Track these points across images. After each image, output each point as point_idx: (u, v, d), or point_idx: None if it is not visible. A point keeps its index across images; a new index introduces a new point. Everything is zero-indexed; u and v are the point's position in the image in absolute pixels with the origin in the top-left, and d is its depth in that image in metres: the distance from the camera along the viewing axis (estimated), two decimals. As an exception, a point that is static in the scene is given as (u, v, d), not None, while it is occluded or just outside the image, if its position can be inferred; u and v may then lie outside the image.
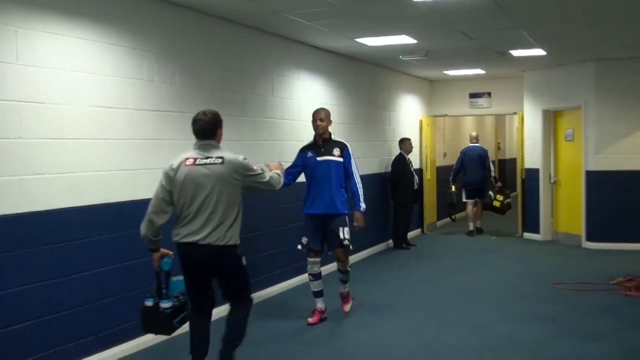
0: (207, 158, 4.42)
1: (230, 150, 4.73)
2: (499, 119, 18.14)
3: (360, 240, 9.97)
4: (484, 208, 12.51)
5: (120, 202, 5.41)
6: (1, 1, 4.40)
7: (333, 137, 6.41)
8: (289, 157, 6.75)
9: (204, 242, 4.37)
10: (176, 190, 4.40)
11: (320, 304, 6.42)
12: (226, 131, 6.62)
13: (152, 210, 4.41)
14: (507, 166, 18.26)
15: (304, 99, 8.27)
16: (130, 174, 5.54)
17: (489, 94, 12.88)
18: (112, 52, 5.35)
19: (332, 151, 6.27)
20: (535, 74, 11.60)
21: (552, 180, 11.44)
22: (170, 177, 4.41)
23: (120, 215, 5.40)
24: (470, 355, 5.45)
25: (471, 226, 12.41)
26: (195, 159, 4.42)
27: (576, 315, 6.63)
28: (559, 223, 11.48)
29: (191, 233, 4.39)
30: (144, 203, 5.60)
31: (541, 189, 11.48)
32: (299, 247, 6.39)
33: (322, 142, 6.30)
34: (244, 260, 4.61)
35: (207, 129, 4.51)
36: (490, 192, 12.25)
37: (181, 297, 4.67)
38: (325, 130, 6.29)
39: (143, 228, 4.44)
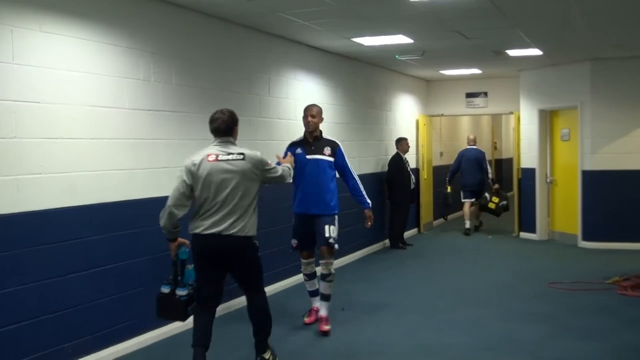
0: (228, 154, 4.65)
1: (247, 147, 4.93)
2: (495, 118, 18.16)
3: (356, 240, 9.98)
4: (480, 209, 12.66)
5: (116, 202, 5.40)
6: (-3, 0, 4.41)
7: (324, 135, 6.23)
8: (286, 157, 6.75)
9: (227, 232, 4.59)
10: (198, 185, 4.59)
11: (316, 303, 6.39)
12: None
13: (172, 204, 4.59)
14: (503, 166, 18.28)
15: (301, 98, 8.27)
16: (126, 173, 5.53)
17: (486, 94, 12.90)
18: (109, 52, 5.34)
19: (322, 150, 6.08)
20: (531, 73, 11.62)
21: (548, 180, 11.46)
22: (192, 173, 4.60)
23: (116, 215, 5.39)
24: (467, 355, 5.46)
25: (467, 224, 12.47)
26: (217, 155, 4.63)
27: (572, 315, 6.65)
28: (555, 222, 11.51)
29: (213, 225, 4.60)
30: (140, 203, 5.64)
31: (537, 189, 11.50)
32: (291, 249, 6.35)
33: (312, 139, 6.10)
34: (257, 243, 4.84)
35: (225, 127, 4.74)
36: (486, 194, 12.39)
37: (194, 286, 4.85)
38: (316, 127, 6.09)
39: (163, 220, 4.64)
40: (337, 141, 6.26)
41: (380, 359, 5.42)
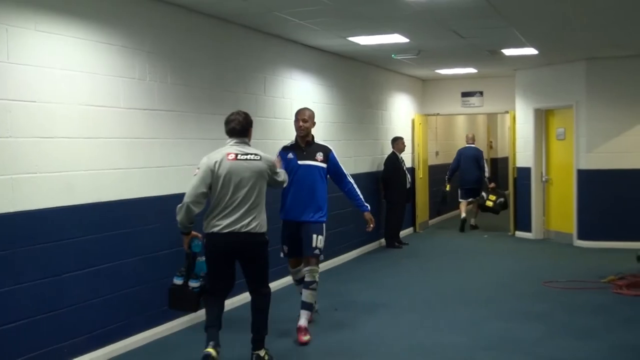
0: (246, 154, 4.86)
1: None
2: (491, 117, 18.19)
3: (352, 239, 9.99)
4: (479, 209, 12.79)
5: (111, 201, 5.39)
6: (-8, -1, 4.40)
7: (316, 140, 6.03)
8: (282, 156, 6.74)
9: (245, 229, 4.80)
10: (218, 183, 4.77)
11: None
12: (218, 130, 6.63)
13: (190, 201, 4.75)
14: (499, 165, 18.30)
15: (297, 98, 8.27)
16: (122, 173, 5.52)
17: (481, 93, 12.92)
18: (104, 51, 5.33)
19: (315, 155, 5.86)
20: (527, 73, 11.63)
21: (543, 179, 11.48)
22: (212, 171, 4.77)
23: (112, 215, 5.38)
24: (463, 354, 5.46)
25: (463, 214, 12.64)
26: (236, 155, 4.83)
27: (568, 314, 6.66)
28: (551, 221, 11.53)
29: (233, 223, 4.78)
30: (136, 202, 5.63)
31: (533, 188, 11.52)
32: (281, 254, 6.14)
33: (304, 144, 5.89)
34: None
35: (240, 128, 4.93)
36: (483, 193, 12.55)
37: (205, 277, 5.03)
38: (308, 132, 5.89)
39: (180, 215, 4.80)
40: (329, 146, 6.07)
41: (376, 358, 5.42)
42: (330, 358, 5.41)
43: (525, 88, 11.73)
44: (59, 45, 4.89)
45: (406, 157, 11.64)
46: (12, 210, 4.51)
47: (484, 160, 12.95)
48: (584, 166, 10.57)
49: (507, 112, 12.58)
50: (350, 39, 8.17)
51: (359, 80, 10.43)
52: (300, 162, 5.83)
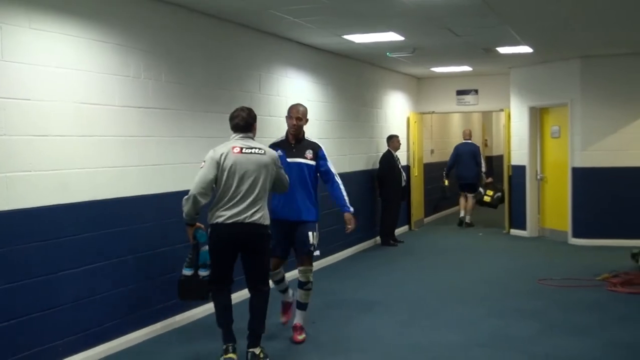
0: (251, 148, 4.97)
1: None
2: (486, 115, 18.18)
3: (347, 237, 9.97)
4: (478, 204, 12.94)
5: (107, 199, 5.38)
6: (-15, -3, 4.39)
7: (306, 136, 5.85)
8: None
9: (248, 220, 4.90)
10: (223, 175, 4.87)
11: (288, 298, 6.01)
12: (213, 127, 6.65)
13: (198, 192, 4.84)
14: (493, 163, 18.30)
15: (292, 96, 8.25)
16: (117, 171, 5.51)
17: (476, 91, 12.94)
18: (98, 49, 5.32)
19: (304, 153, 5.70)
20: (521, 71, 11.65)
21: (538, 177, 11.51)
22: (219, 164, 4.88)
23: (107, 213, 5.37)
24: (458, 352, 5.47)
25: (462, 213, 12.88)
26: (241, 148, 4.95)
27: (562, 311, 6.68)
28: (546, 219, 11.55)
29: (237, 214, 4.88)
30: (131, 200, 5.62)
31: (528, 186, 11.54)
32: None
33: (294, 141, 5.73)
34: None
35: (244, 124, 5.05)
36: (481, 189, 12.78)
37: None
38: (301, 130, 5.74)
39: (187, 206, 4.89)
40: (318, 143, 5.88)
41: (371, 356, 5.42)
42: (326, 356, 5.41)
43: (520, 86, 11.74)
44: (53, 43, 4.88)
45: (401, 155, 11.64)
46: (6, 208, 4.50)
47: (481, 156, 13.17)
48: (579, 164, 10.59)
49: (502, 110, 12.60)
50: (345, 37, 8.17)
51: (354, 78, 10.42)
52: (289, 160, 5.66)
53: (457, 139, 15.30)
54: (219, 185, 4.92)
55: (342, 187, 5.87)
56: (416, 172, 12.79)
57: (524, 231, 11.64)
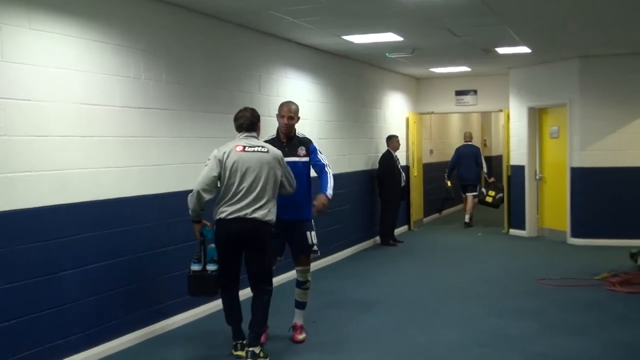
0: (254, 147, 5.09)
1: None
2: (485, 116, 18.18)
3: (347, 237, 9.99)
4: (480, 203, 13.07)
5: (108, 199, 5.37)
6: (-14, -2, 4.38)
7: (297, 132, 5.68)
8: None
9: (250, 216, 5.00)
10: (226, 173, 5.00)
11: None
12: (213, 128, 6.66)
13: (201, 188, 4.97)
14: (493, 163, 18.30)
15: (291, 96, 8.22)
16: (118, 171, 5.51)
17: (475, 92, 12.94)
18: (98, 49, 5.31)
19: (297, 151, 5.56)
20: (520, 71, 11.64)
21: (537, 177, 11.51)
22: (221, 162, 5.01)
23: (108, 213, 5.37)
24: (457, 351, 5.47)
25: (467, 218, 13.05)
26: (244, 147, 5.07)
27: (561, 311, 6.68)
28: (544, 219, 11.55)
29: (238, 210, 5.00)
30: (132, 200, 5.62)
31: (527, 186, 11.54)
32: None
33: (286, 140, 5.56)
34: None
35: (248, 124, 5.19)
36: (483, 189, 12.96)
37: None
38: (292, 129, 5.60)
39: (192, 202, 5.02)
40: (309, 137, 5.79)
41: (371, 355, 5.42)
42: (326, 356, 5.41)
43: (519, 86, 11.74)
44: (53, 43, 4.88)
45: (401, 156, 11.65)
46: (7, 208, 4.49)
47: (482, 157, 13.36)
48: (578, 164, 10.59)
49: (501, 110, 12.60)
50: (345, 37, 8.17)
51: (354, 78, 10.42)
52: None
53: (456, 139, 15.33)
54: (222, 183, 5.04)
55: (331, 177, 5.64)
56: (415, 172, 12.79)
57: (523, 231, 11.64)
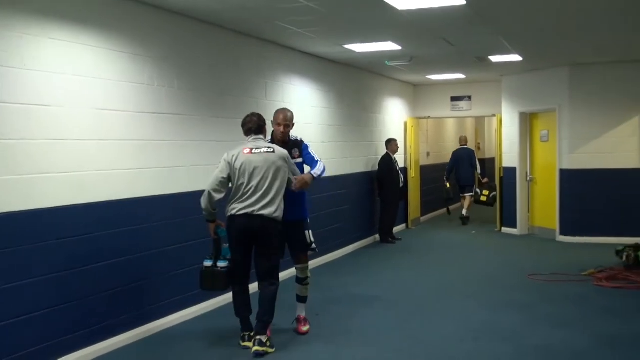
0: (260, 149, 5.22)
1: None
2: (479, 120, 18.20)
3: (348, 235, 10.01)
4: (476, 203, 13.20)
5: (122, 199, 5.40)
6: (8, 8, 4.40)
7: (290, 136, 5.60)
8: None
9: (258, 212, 5.11)
10: (235, 174, 5.15)
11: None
12: (221, 131, 6.68)
13: (212, 188, 5.15)
14: (486, 165, 18.31)
15: (296, 102, 8.28)
16: (133, 172, 5.53)
17: (470, 98, 12.95)
18: (115, 58, 5.34)
19: (291, 154, 5.49)
20: (512, 78, 11.66)
21: (528, 179, 11.52)
22: (230, 164, 5.17)
23: (123, 212, 5.39)
24: (452, 343, 5.49)
25: (465, 213, 13.21)
26: (251, 149, 5.21)
27: (551, 305, 6.69)
28: (535, 218, 11.56)
29: (247, 206, 5.12)
30: (146, 200, 5.64)
31: (518, 187, 11.56)
32: None
33: (281, 145, 5.46)
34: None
35: (256, 127, 5.33)
36: (477, 190, 13.13)
37: (230, 260, 5.32)
38: (287, 136, 5.55)
39: (204, 202, 5.17)
40: (299, 137, 5.70)
41: (372, 347, 5.43)
42: (329, 346, 5.43)
43: (511, 93, 11.75)
44: (72, 52, 4.90)
45: (399, 158, 11.66)
46: (25, 208, 4.49)
47: (476, 159, 13.49)
48: (566, 166, 10.61)
49: (494, 115, 12.61)
50: (346, 46, 8.19)
51: (355, 85, 10.45)
52: None
53: (451, 142, 15.36)
54: (233, 183, 5.19)
55: (321, 165, 5.52)
56: (413, 174, 12.81)
57: (514, 229, 11.65)
